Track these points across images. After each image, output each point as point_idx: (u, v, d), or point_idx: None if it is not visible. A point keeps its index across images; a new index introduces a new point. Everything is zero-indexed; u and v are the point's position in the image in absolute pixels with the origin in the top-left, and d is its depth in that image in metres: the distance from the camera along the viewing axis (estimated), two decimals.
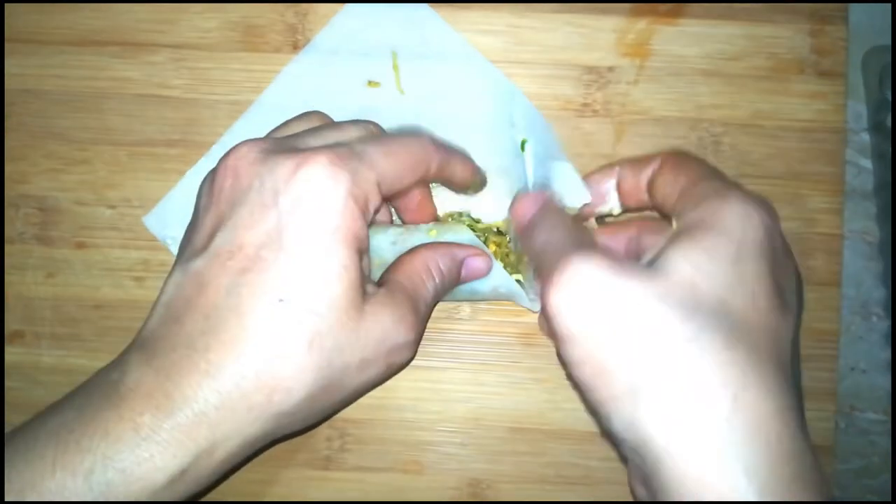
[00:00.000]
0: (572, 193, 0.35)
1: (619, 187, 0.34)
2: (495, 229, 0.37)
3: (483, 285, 0.36)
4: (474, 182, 0.35)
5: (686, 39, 0.39)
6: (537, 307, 0.37)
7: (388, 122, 0.38)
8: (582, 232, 0.30)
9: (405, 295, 0.31)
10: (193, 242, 0.29)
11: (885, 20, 0.41)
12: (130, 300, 0.39)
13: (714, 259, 0.25)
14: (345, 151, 0.29)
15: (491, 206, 0.38)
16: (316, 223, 0.27)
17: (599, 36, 0.39)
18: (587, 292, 0.25)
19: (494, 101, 0.39)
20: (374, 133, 0.33)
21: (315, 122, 0.34)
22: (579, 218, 0.35)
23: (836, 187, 0.39)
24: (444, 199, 0.37)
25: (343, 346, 0.28)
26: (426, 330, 0.38)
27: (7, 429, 0.38)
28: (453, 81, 0.39)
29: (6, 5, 0.40)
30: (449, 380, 0.39)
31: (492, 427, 0.38)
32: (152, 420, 0.25)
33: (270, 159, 0.28)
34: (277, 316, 0.27)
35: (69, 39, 0.40)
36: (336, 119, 0.38)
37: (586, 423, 0.38)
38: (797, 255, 0.38)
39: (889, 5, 0.41)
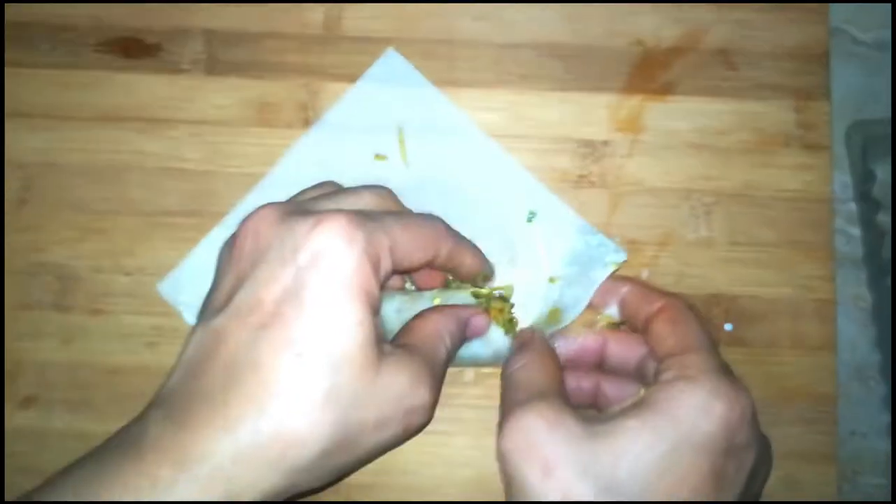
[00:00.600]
0: (608, 256, 0.38)
1: (621, 305, 0.36)
2: (497, 294, 0.39)
3: (485, 351, 0.37)
4: (482, 273, 0.37)
5: (676, 115, 0.42)
6: None
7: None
8: (550, 373, 0.33)
9: (422, 356, 0.31)
10: (213, 302, 0.30)
11: (866, 96, 0.43)
12: (143, 366, 0.40)
13: (650, 444, 0.28)
14: (362, 215, 0.30)
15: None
16: (332, 279, 0.28)
17: (594, 112, 0.42)
18: (523, 446, 0.29)
19: (496, 175, 0.41)
20: (387, 198, 0.34)
21: (329, 190, 0.35)
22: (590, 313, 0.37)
23: (827, 254, 0.40)
24: None
25: (360, 403, 0.28)
26: None
27: (14, 492, 0.38)
28: (457, 155, 0.41)
29: (30, 82, 0.42)
30: (452, 444, 0.39)
31: (495, 492, 0.38)
32: (170, 474, 0.26)
33: (290, 219, 0.30)
34: (295, 371, 0.27)
35: (91, 115, 0.42)
36: None
37: None
38: (791, 319, 0.40)
39: (868, 76, 0.43)
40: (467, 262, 0.35)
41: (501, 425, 0.30)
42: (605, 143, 0.41)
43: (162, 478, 0.26)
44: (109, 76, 0.42)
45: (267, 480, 0.27)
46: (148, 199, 0.41)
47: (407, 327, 0.34)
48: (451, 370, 0.39)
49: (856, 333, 0.42)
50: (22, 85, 0.42)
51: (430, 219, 0.34)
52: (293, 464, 0.27)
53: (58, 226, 0.41)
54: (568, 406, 0.30)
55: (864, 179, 0.42)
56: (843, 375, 0.41)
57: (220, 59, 0.43)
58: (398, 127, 0.41)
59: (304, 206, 0.32)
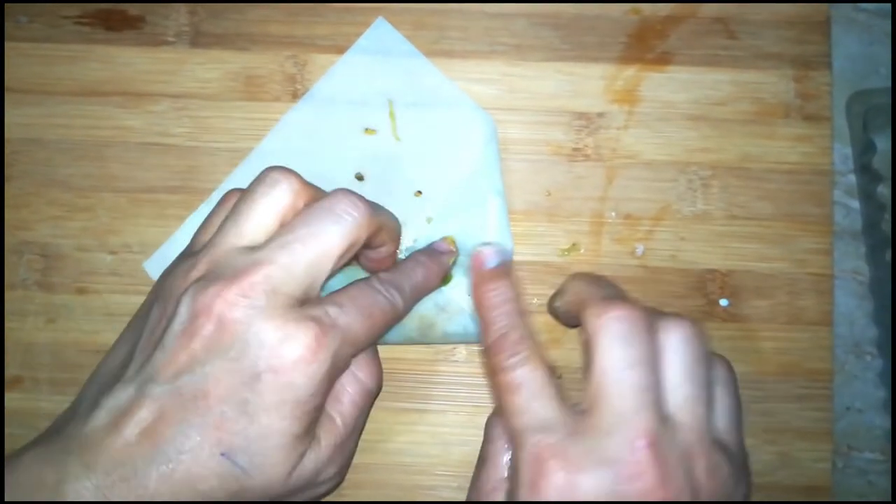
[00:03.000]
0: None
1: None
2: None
3: (475, 327, 0.37)
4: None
5: (673, 86, 0.41)
6: None
7: (384, 168, 0.40)
8: (526, 315, 0.31)
9: (339, 434, 0.32)
10: (156, 362, 0.29)
11: (867, 65, 0.42)
12: None
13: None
14: (329, 328, 0.29)
15: None
16: (284, 398, 0.28)
17: (589, 83, 0.41)
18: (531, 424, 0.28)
19: (489, 149, 0.40)
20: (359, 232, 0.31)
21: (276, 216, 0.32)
22: None
23: (825, 228, 0.40)
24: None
25: (268, 492, 0.30)
26: (422, 372, 0.39)
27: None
28: (448, 129, 0.40)
29: (10, 56, 0.41)
30: (445, 423, 0.39)
31: None
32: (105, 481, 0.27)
33: (256, 325, 0.28)
34: (214, 466, 0.28)
35: (73, 90, 0.41)
36: (334, 165, 0.39)
37: None
38: (788, 294, 0.39)
39: (870, 47, 0.42)
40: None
41: (503, 389, 0.30)
42: (601, 115, 0.40)
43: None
44: (90, 49, 0.41)
45: None
46: (131, 175, 0.40)
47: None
48: (442, 348, 0.39)
49: (853, 307, 0.41)
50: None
51: (382, 302, 0.32)
52: None
53: (42, 203, 0.40)
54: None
55: (864, 151, 0.41)
56: (839, 350, 0.40)
57: (205, 31, 0.41)
58: (388, 99, 0.40)
59: (277, 297, 0.29)
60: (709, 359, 0.30)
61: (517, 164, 0.40)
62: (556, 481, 0.27)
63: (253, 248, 0.30)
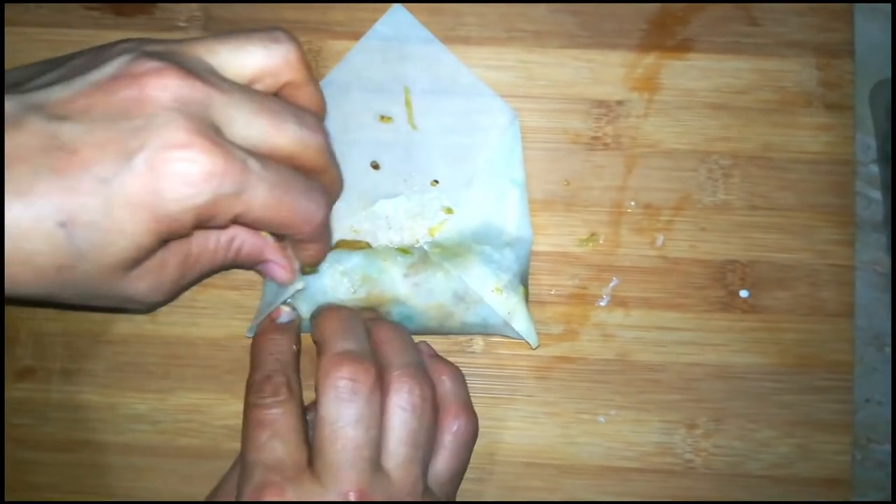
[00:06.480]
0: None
1: None
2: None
3: (495, 319, 0.36)
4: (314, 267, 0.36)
5: (694, 73, 0.40)
6: (535, 342, 0.37)
7: (400, 156, 0.39)
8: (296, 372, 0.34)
9: (176, 268, 0.30)
10: (52, 93, 0.27)
11: (890, 54, 0.41)
12: (142, 335, 0.39)
13: None
14: (236, 174, 0.27)
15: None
16: (146, 206, 0.26)
17: (608, 70, 0.40)
18: None
19: (507, 138, 0.39)
20: (309, 132, 0.31)
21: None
22: None
23: (847, 219, 0.39)
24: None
25: (87, 290, 0.28)
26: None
27: (13, 465, 0.38)
28: (465, 117, 0.39)
29: (17, 42, 0.40)
30: None
31: (506, 462, 0.38)
32: None
33: (173, 120, 0.26)
34: (48, 231, 0.26)
35: None
36: (348, 153, 0.38)
37: (601, 458, 0.38)
38: (809, 285, 0.39)
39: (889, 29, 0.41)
40: (311, 252, 0.34)
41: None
42: (620, 103, 0.40)
43: None
44: (100, 35, 0.41)
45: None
46: None
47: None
48: (459, 339, 0.38)
49: (872, 299, 0.41)
50: (6, 45, 0.40)
51: (313, 195, 0.31)
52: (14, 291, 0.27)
53: None
54: None
55: (886, 141, 0.40)
56: (858, 342, 0.40)
57: (217, 16, 0.41)
58: (404, 87, 0.40)
59: (204, 117, 0.27)
60: (431, 421, 0.33)
61: (535, 153, 0.40)
62: None
63: (217, 72, 0.29)
